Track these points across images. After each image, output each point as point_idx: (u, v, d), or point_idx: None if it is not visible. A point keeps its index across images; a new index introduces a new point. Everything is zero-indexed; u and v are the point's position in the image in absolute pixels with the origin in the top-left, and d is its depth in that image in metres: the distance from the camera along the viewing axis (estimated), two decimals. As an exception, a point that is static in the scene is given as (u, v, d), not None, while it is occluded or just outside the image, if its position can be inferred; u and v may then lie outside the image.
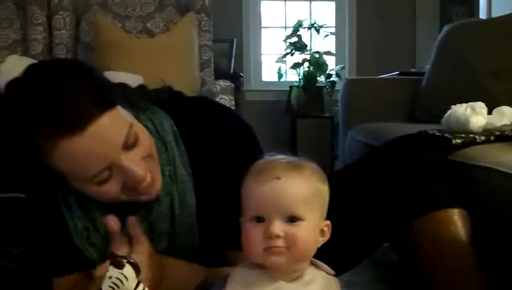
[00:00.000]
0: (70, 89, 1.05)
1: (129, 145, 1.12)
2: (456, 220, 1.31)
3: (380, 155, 1.42)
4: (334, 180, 1.13)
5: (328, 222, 1.04)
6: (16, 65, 2.73)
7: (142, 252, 1.14)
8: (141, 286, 1.04)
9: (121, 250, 1.14)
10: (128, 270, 1.03)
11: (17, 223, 1.79)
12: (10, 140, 1.11)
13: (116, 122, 1.10)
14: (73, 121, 1.03)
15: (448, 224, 1.31)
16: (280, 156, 1.05)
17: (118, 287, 1.01)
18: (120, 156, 1.10)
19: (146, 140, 1.18)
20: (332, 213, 1.06)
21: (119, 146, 1.10)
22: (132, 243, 1.16)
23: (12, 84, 1.11)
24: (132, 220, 1.16)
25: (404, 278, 2.13)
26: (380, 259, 2.28)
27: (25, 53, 3.33)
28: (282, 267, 0.99)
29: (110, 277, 1.01)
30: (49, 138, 1.04)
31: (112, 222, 1.15)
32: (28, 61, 2.88)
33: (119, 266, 1.02)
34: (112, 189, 1.13)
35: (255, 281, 1.00)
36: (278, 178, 0.98)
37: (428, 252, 1.32)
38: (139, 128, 1.17)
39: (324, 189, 1.03)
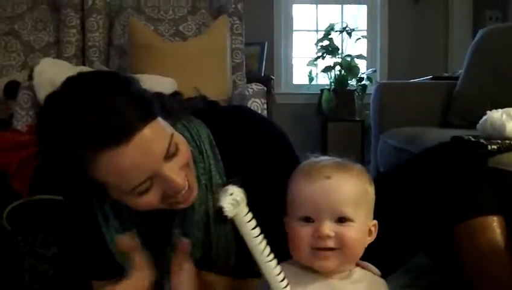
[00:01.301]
0: (112, 103, 1.04)
1: (170, 155, 1.12)
2: (495, 227, 1.30)
3: (421, 161, 1.40)
4: (375, 185, 1.12)
5: (375, 222, 1.06)
6: (49, 68, 2.76)
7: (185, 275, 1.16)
8: (250, 214, 1.01)
9: (144, 272, 1.17)
10: (244, 192, 1.01)
11: (52, 225, 1.82)
12: (51, 154, 1.10)
13: (158, 134, 1.09)
14: (118, 135, 1.03)
15: (486, 230, 1.29)
16: (326, 157, 1.07)
17: (238, 204, 0.98)
18: (162, 166, 1.10)
19: (185, 150, 1.17)
20: (375, 217, 1.06)
21: (161, 157, 1.10)
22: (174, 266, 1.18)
23: (52, 98, 1.10)
24: (185, 243, 1.19)
25: (437, 285, 2.11)
26: (412, 265, 2.26)
27: (58, 55, 3.35)
28: (331, 270, 1.01)
29: (231, 193, 0.98)
30: (93, 152, 1.03)
31: (124, 241, 1.19)
32: (61, 64, 2.93)
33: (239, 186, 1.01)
34: (151, 199, 1.13)
35: (303, 279, 1.01)
36: (328, 177, 0.99)
37: (466, 258, 1.31)
38: (179, 138, 1.16)
39: (371, 189, 1.05)
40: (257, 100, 2.70)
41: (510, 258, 1.30)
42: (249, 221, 1.00)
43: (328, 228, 0.97)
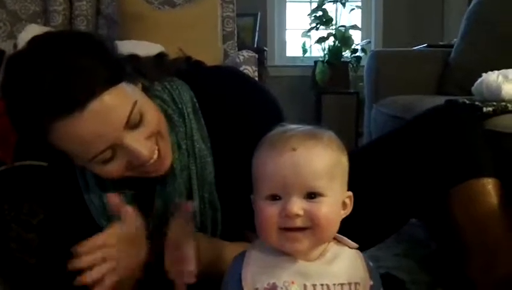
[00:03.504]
0: (71, 66, 1.00)
1: (132, 125, 1.07)
2: (491, 189, 1.27)
3: (416, 125, 1.37)
4: (368, 151, 1.08)
5: (350, 193, 0.97)
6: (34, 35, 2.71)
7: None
8: None
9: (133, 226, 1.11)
10: None
11: (37, 192, 1.78)
12: (12, 118, 1.08)
13: (118, 101, 1.05)
14: (72, 101, 0.99)
15: (482, 193, 1.27)
16: (294, 126, 0.97)
17: None
18: (123, 136, 1.06)
19: (153, 117, 1.12)
20: (365, 184, 1.01)
21: (121, 125, 1.05)
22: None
23: (13, 58, 1.07)
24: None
25: (432, 255, 2.10)
26: (408, 235, 2.26)
27: (45, 25, 3.29)
28: (302, 252, 0.92)
29: None
30: (46, 117, 1.00)
31: (113, 198, 1.12)
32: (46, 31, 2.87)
33: None
34: (115, 168, 1.10)
35: (274, 264, 0.93)
36: (294, 149, 0.90)
37: (463, 222, 1.29)
38: (146, 105, 1.12)
39: (344, 158, 0.96)
40: (248, 67, 2.67)
41: (506, 221, 1.28)
42: None
43: (297, 205, 0.88)
